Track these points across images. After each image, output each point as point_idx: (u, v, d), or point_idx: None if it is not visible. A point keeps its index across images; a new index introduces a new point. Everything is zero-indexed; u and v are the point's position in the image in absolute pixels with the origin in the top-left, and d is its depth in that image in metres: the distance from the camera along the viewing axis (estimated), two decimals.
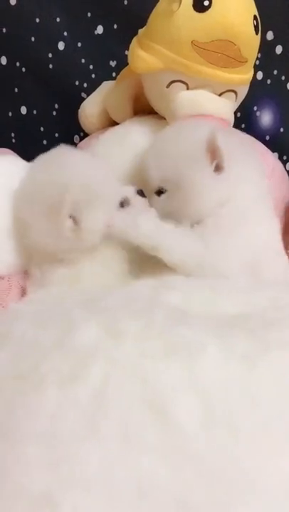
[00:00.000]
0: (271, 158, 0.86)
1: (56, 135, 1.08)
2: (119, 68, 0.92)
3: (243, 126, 0.94)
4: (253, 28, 0.71)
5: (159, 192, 0.69)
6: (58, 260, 0.65)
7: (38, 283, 0.66)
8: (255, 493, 0.33)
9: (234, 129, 0.72)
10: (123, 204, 0.68)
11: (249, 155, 0.71)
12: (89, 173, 0.66)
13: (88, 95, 0.93)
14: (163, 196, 0.68)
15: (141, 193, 0.70)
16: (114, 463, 0.34)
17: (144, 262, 0.65)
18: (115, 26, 0.99)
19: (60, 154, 0.70)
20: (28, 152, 0.81)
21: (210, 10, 0.68)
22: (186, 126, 0.70)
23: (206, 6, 0.68)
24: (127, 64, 0.79)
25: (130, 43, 0.77)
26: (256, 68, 0.88)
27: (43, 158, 0.70)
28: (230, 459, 0.34)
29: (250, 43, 0.72)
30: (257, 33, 0.72)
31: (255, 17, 0.71)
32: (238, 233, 0.65)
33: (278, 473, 0.34)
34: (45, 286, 0.65)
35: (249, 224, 0.66)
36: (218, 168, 0.65)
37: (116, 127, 0.84)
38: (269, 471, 0.33)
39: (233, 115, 0.79)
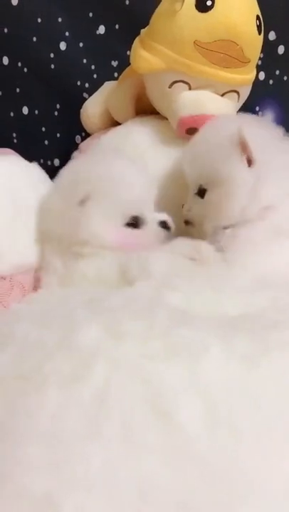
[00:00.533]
0: None
1: (58, 135, 1.08)
2: (121, 68, 0.92)
3: None
4: (255, 28, 0.70)
5: (202, 192, 0.68)
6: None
7: (58, 273, 0.66)
8: (256, 494, 0.32)
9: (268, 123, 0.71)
10: (136, 223, 0.66)
11: (285, 149, 0.68)
12: (118, 175, 0.66)
13: (90, 95, 0.94)
14: (206, 197, 0.67)
15: (164, 224, 0.67)
16: (115, 464, 0.34)
17: None
18: (117, 26, 0.99)
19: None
20: (30, 152, 0.81)
21: (212, 10, 0.68)
22: (216, 122, 0.70)
23: (209, 6, 0.68)
24: (129, 64, 0.79)
25: (132, 43, 0.77)
26: (258, 68, 0.88)
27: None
28: (232, 459, 0.34)
29: (253, 43, 0.71)
30: (260, 33, 0.72)
31: (258, 17, 0.71)
32: (264, 251, 0.63)
33: (280, 474, 0.34)
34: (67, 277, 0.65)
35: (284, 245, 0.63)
36: (249, 163, 0.64)
37: (118, 127, 0.84)
38: (270, 471, 0.33)
39: None
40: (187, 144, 0.71)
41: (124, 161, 0.68)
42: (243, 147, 0.63)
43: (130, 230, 0.66)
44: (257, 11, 0.71)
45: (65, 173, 0.70)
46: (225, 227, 0.65)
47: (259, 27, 0.71)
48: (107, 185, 0.65)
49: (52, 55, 1.03)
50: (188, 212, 0.70)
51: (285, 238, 0.63)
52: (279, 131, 0.70)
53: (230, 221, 0.65)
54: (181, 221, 0.71)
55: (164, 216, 0.68)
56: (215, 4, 0.68)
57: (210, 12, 0.68)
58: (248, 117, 0.71)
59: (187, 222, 0.71)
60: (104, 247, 0.64)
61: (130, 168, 0.67)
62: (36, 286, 0.68)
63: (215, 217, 0.66)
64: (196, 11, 0.68)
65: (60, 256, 0.66)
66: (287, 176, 0.65)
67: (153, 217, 0.67)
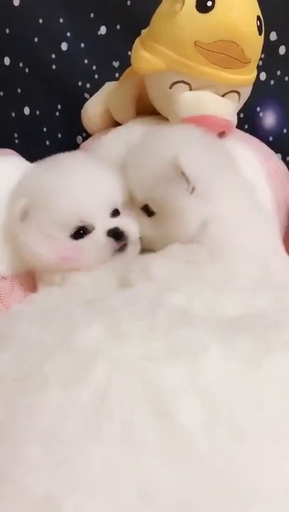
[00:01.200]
0: (274, 160, 0.86)
1: (59, 135, 1.08)
2: (122, 69, 0.92)
3: (246, 127, 0.94)
4: (256, 29, 0.70)
5: (147, 210, 0.67)
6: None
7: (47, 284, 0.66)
8: (257, 495, 0.32)
9: (210, 136, 0.70)
10: (82, 233, 0.62)
11: (228, 166, 0.69)
12: (56, 183, 0.63)
13: (91, 96, 0.93)
14: (153, 219, 0.66)
15: (113, 233, 0.63)
16: (116, 464, 0.34)
17: None
18: (118, 27, 0.99)
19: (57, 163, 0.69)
20: (31, 153, 0.81)
21: (213, 10, 0.68)
22: (159, 141, 0.68)
23: (209, 7, 0.68)
24: (130, 64, 0.79)
25: (133, 43, 0.77)
26: (259, 69, 0.88)
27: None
28: (232, 459, 0.34)
29: (254, 44, 0.71)
30: (260, 34, 0.72)
31: (258, 17, 0.71)
32: (230, 247, 0.63)
33: (281, 475, 0.34)
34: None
35: (240, 235, 0.65)
36: (192, 190, 0.63)
37: (118, 128, 0.84)
38: (271, 472, 0.33)
39: (236, 116, 0.78)
40: (131, 151, 0.69)
41: (73, 167, 0.65)
42: (183, 176, 0.62)
43: (72, 242, 0.62)
44: (257, 12, 0.71)
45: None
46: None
47: (260, 27, 0.71)
48: (44, 195, 0.62)
49: (53, 56, 1.03)
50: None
51: (236, 232, 0.64)
52: (219, 141, 0.70)
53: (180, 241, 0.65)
54: None
55: (119, 222, 0.64)
56: (215, 5, 0.67)
57: (210, 13, 0.68)
58: (187, 134, 0.69)
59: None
60: (49, 267, 0.62)
61: (75, 173, 0.64)
62: (36, 286, 0.68)
63: (166, 240, 0.65)
64: (197, 12, 0.68)
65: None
66: (228, 184, 0.66)
67: (99, 229, 0.62)
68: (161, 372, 0.38)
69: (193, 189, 0.63)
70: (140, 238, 0.67)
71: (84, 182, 0.63)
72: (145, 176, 0.65)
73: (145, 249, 0.68)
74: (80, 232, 0.62)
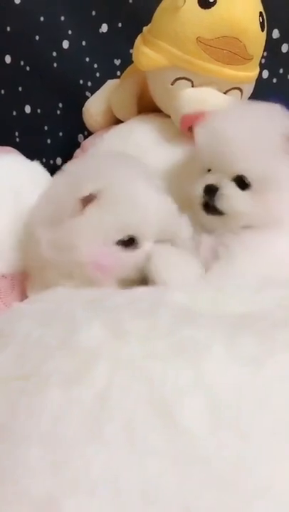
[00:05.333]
0: None
1: (60, 134, 1.08)
2: (123, 67, 0.91)
3: None
4: (258, 25, 0.70)
5: (242, 182, 0.62)
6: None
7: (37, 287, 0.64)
8: (264, 498, 0.32)
9: None
10: (129, 244, 0.59)
11: None
12: (132, 186, 0.60)
13: (92, 94, 0.93)
14: (248, 192, 0.62)
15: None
16: (118, 466, 0.34)
17: None
18: (120, 25, 0.99)
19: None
20: (32, 151, 0.81)
21: (215, 6, 0.67)
22: (263, 113, 0.65)
23: (212, 3, 0.67)
24: (132, 62, 0.78)
25: (135, 41, 0.77)
26: (262, 67, 0.88)
27: None
28: (237, 462, 0.33)
29: (256, 40, 0.71)
30: (263, 30, 0.72)
31: (261, 13, 0.71)
32: (255, 248, 0.62)
33: (287, 476, 0.33)
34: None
35: (274, 238, 0.62)
36: None
37: (120, 125, 0.84)
38: (279, 475, 0.33)
39: None
40: (224, 121, 0.64)
41: (143, 172, 0.63)
42: None
43: (117, 249, 0.59)
44: (260, 8, 0.71)
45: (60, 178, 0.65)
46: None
47: (262, 24, 0.71)
48: (118, 189, 0.59)
49: (54, 54, 1.03)
50: (225, 200, 0.63)
51: (275, 230, 0.62)
52: None
53: (271, 222, 0.63)
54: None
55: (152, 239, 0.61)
56: (218, 1, 0.67)
57: (212, 8, 0.67)
58: (279, 108, 0.66)
59: (213, 209, 0.64)
60: (76, 261, 0.58)
61: (149, 182, 0.61)
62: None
63: (261, 216, 0.62)
64: (199, 8, 0.68)
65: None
66: None
67: (149, 246, 0.60)
68: (164, 372, 0.38)
69: None
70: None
71: (158, 198, 0.61)
72: (250, 145, 0.62)
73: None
74: (126, 242, 0.59)
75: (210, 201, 0.64)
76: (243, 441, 0.33)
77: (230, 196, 0.63)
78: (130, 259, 0.60)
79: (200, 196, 0.65)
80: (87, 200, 0.59)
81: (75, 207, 0.58)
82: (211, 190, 0.63)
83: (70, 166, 0.65)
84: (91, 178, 0.60)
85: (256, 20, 0.69)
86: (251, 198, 0.62)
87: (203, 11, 0.68)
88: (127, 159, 0.66)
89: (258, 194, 0.62)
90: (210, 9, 0.67)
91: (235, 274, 0.59)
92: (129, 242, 0.60)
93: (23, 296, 0.66)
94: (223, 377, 0.37)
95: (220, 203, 0.63)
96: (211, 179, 0.64)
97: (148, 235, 0.60)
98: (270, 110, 0.66)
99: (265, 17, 0.72)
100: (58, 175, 0.66)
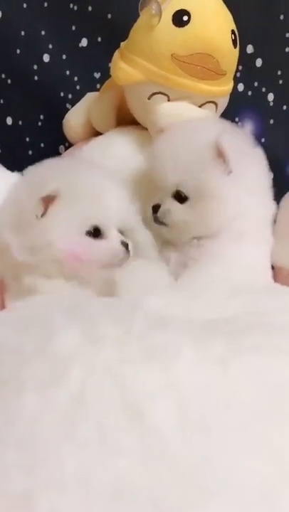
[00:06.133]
0: None
1: (42, 145, 1.09)
2: (103, 80, 0.93)
3: None
4: (231, 42, 0.73)
5: (179, 197, 0.67)
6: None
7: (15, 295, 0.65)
8: (227, 493, 0.33)
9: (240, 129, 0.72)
10: (96, 234, 0.62)
11: (259, 159, 0.71)
12: (91, 180, 0.64)
13: (73, 106, 0.95)
14: (186, 204, 0.67)
15: (125, 245, 0.64)
16: (90, 465, 0.35)
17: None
18: (99, 39, 1.01)
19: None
20: (14, 163, 0.82)
21: (189, 25, 0.70)
22: (192, 128, 0.70)
23: (185, 21, 0.70)
24: (110, 76, 0.80)
25: (113, 55, 0.79)
26: (237, 80, 0.90)
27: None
28: (204, 459, 0.34)
29: (229, 56, 0.74)
30: (235, 47, 0.74)
31: (233, 31, 0.73)
32: (224, 259, 0.65)
33: (251, 474, 0.34)
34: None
35: (243, 249, 0.66)
36: (228, 172, 0.65)
37: (99, 137, 0.85)
38: (241, 471, 0.34)
39: None
40: (161, 142, 0.70)
41: (101, 172, 0.67)
42: (222, 157, 0.64)
43: (89, 240, 0.62)
44: (232, 26, 0.74)
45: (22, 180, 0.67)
46: (194, 237, 0.67)
47: (234, 41, 0.73)
48: (78, 186, 0.62)
49: (35, 67, 1.05)
50: (166, 215, 0.69)
51: (244, 241, 0.65)
52: (251, 140, 0.71)
53: (211, 231, 0.66)
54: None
55: (127, 240, 0.65)
56: (191, 19, 0.70)
57: (186, 27, 0.70)
58: (224, 124, 0.72)
59: (160, 222, 0.70)
60: (53, 257, 0.60)
61: (107, 179, 0.65)
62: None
63: (200, 227, 0.67)
64: (173, 26, 0.70)
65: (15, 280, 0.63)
66: (257, 185, 0.68)
67: (115, 234, 0.64)
68: (135, 375, 0.39)
69: (230, 171, 0.64)
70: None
71: (117, 191, 0.65)
72: (180, 160, 0.66)
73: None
74: (93, 232, 0.63)
75: (157, 217, 0.70)
76: (207, 439, 0.35)
77: (169, 211, 0.68)
78: (102, 245, 0.63)
79: (150, 214, 0.71)
80: (49, 200, 0.61)
81: (38, 207, 0.60)
82: (155, 208, 0.70)
83: (28, 171, 0.67)
84: (50, 178, 0.62)
85: (228, 38, 0.72)
86: (190, 209, 0.67)
87: (177, 29, 0.70)
88: (86, 161, 0.71)
89: (196, 205, 0.66)
90: (184, 27, 0.70)
91: (204, 281, 0.61)
92: (96, 232, 0.63)
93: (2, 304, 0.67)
94: (191, 379, 0.39)
95: (163, 218, 0.69)
96: (155, 199, 0.70)
97: (110, 224, 0.63)
98: (204, 123, 0.70)
99: (237, 34, 0.75)
100: (18, 180, 0.68)
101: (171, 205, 0.69)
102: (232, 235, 0.65)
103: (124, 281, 0.62)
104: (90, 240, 0.62)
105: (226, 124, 0.72)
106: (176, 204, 0.69)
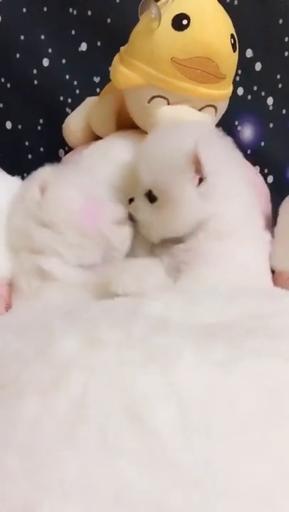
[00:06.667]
0: (252, 172, 0.88)
1: (41, 149, 1.09)
2: (102, 84, 0.93)
3: None
4: (230, 46, 0.73)
5: (150, 196, 0.69)
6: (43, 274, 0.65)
7: (24, 296, 0.66)
8: (230, 496, 0.33)
9: (222, 136, 0.72)
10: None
11: (236, 166, 0.71)
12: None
13: (72, 110, 0.95)
14: (155, 205, 0.68)
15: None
16: (92, 470, 0.35)
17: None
18: (99, 43, 1.01)
19: None
20: (13, 167, 0.82)
21: (188, 28, 0.70)
22: (174, 131, 0.70)
23: (185, 25, 0.70)
24: (110, 80, 0.80)
25: (113, 59, 0.79)
26: (237, 84, 0.91)
27: None
28: (206, 462, 0.34)
29: (228, 60, 0.74)
30: (235, 51, 0.74)
31: (232, 35, 0.73)
32: (216, 261, 0.65)
33: (253, 477, 0.34)
34: (31, 300, 0.65)
35: (231, 247, 0.66)
36: (200, 181, 0.65)
37: (99, 142, 0.85)
38: (242, 474, 0.34)
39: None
40: (147, 139, 0.72)
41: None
42: (197, 167, 0.64)
43: (97, 200, 0.69)
44: (231, 30, 0.74)
45: None
46: (174, 241, 0.67)
47: (234, 45, 0.73)
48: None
49: (35, 71, 1.05)
50: (135, 210, 0.71)
51: (228, 240, 0.66)
52: (230, 142, 0.72)
53: (174, 235, 0.67)
54: None
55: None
56: (191, 23, 0.70)
57: (186, 31, 0.70)
58: (203, 128, 0.72)
59: (132, 218, 0.72)
60: (66, 222, 0.66)
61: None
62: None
63: (161, 228, 0.67)
64: (173, 30, 0.70)
65: (25, 276, 0.66)
66: (234, 186, 0.68)
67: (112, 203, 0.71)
68: (136, 379, 0.39)
69: (200, 180, 0.65)
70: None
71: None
72: (155, 161, 0.68)
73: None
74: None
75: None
76: (208, 442, 0.35)
77: (137, 206, 0.70)
78: (108, 203, 0.70)
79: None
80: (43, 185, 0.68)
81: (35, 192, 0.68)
82: (130, 201, 0.72)
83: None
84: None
85: (228, 42, 0.72)
86: (156, 209, 0.68)
87: (176, 32, 0.70)
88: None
89: (162, 206, 0.67)
90: (183, 31, 0.70)
91: (200, 283, 0.61)
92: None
93: (4, 308, 0.67)
94: (192, 382, 0.39)
95: (133, 213, 0.71)
96: (133, 193, 0.72)
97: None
98: (187, 128, 0.70)
99: (236, 38, 0.75)
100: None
101: (141, 203, 0.70)
102: (211, 235, 0.66)
103: (117, 273, 0.62)
104: (95, 203, 0.68)
105: (210, 131, 0.72)
106: (146, 202, 0.70)
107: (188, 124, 0.72)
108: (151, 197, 0.69)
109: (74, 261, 0.66)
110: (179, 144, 0.66)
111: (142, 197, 0.70)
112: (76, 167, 0.72)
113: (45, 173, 0.68)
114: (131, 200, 0.72)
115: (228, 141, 0.71)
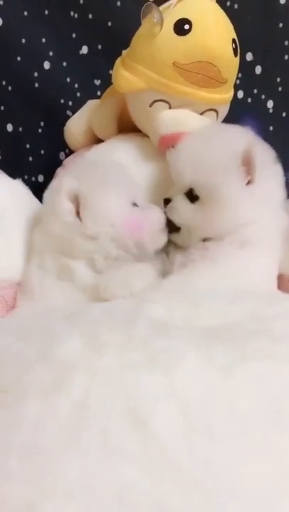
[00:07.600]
0: None
1: (42, 152, 1.09)
2: (103, 87, 0.94)
3: None
4: (231, 51, 0.73)
5: (191, 195, 0.68)
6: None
7: (31, 297, 0.66)
8: (230, 496, 0.33)
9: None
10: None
11: (279, 175, 0.71)
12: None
13: (73, 113, 0.95)
14: (196, 204, 0.68)
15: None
16: (94, 472, 0.35)
17: None
18: (99, 46, 1.02)
19: None
20: (14, 169, 0.82)
21: (190, 33, 0.70)
22: (219, 131, 0.71)
23: (187, 30, 0.70)
24: (111, 83, 0.81)
25: (114, 62, 0.79)
26: (237, 88, 0.91)
27: None
28: (207, 464, 0.35)
29: (229, 65, 0.74)
30: (236, 55, 0.75)
31: (233, 40, 0.74)
32: (224, 264, 0.65)
33: (254, 478, 0.35)
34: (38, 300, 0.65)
35: (246, 256, 0.66)
36: (249, 182, 0.66)
37: (101, 144, 0.86)
38: (245, 476, 0.34)
39: None
40: (187, 139, 0.71)
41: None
42: (250, 168, 0.65)
43: (137, 208, 0.68)
44: (233, 35, 0.74)
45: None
46: (201, 239, 0.67)
47: (235, 49, 0.74)
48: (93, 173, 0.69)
49: (36, 74, 1.05)
50: (174, 210, 0.70)
51: (249, 249, 0.65)
52: (274, 154, 0.71)
53: (217, 234, 0.67)
54: None
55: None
56: (192, 28, 0.70)
57: (188, 35, 0.70)
58: (254, 136, 0.71)
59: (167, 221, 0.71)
60: (111, 226, 0.65)
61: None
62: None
63: (205, 227, 0.67)
64: (175, 34, 0.71)
65: (40, 275, 0.66)
66: (272, 198, 0.68)
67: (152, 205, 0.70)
68: (138, 381, 0.39)
69: (249, 182, 0.65)
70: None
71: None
72: (201, 160, 0.67)
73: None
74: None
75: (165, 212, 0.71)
76: (212, 445, 0.35)
77: (178, 207, 0.69)
78: (148, 211, 0.69)
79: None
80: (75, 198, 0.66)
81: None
82: (166, 202, 0.71)
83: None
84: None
85: (229, 47, 0.73)
86: (199, 209, 0.67)
87: (178, 37, 0.71)
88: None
89: (205, 206, 0.67)
90: (185, 36, 0.70)
91: (190, 282, 0.62)
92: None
93: (5, 311, 0.67)
94: (194, 385, 0.39)
95: (170, 214, 0.70)
96: (168, 193, 0.71)
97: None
98: (235, 131, 0.70)
99: (237, 43, 0.75)
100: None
101: (181, 202, 0.69)
102: (237, 241, 0.65)
103: (106, 279, 0.63)
104: (138, 209, 0.68)
105: (255, 137, 0.71)
106: (186, 201, 0.69)
107: (233, 126, 0.72)
108: (192, 196, 0.68)
109: (103, 267, 0.66)
110: (228, 144, 0.66)
111: (180, 196, 0.69)
112: (107, 174, 0.69)
113: (70, 183, 0.66)
114: (165, 200, 0.71)
115: (271, 151, 0.71)
